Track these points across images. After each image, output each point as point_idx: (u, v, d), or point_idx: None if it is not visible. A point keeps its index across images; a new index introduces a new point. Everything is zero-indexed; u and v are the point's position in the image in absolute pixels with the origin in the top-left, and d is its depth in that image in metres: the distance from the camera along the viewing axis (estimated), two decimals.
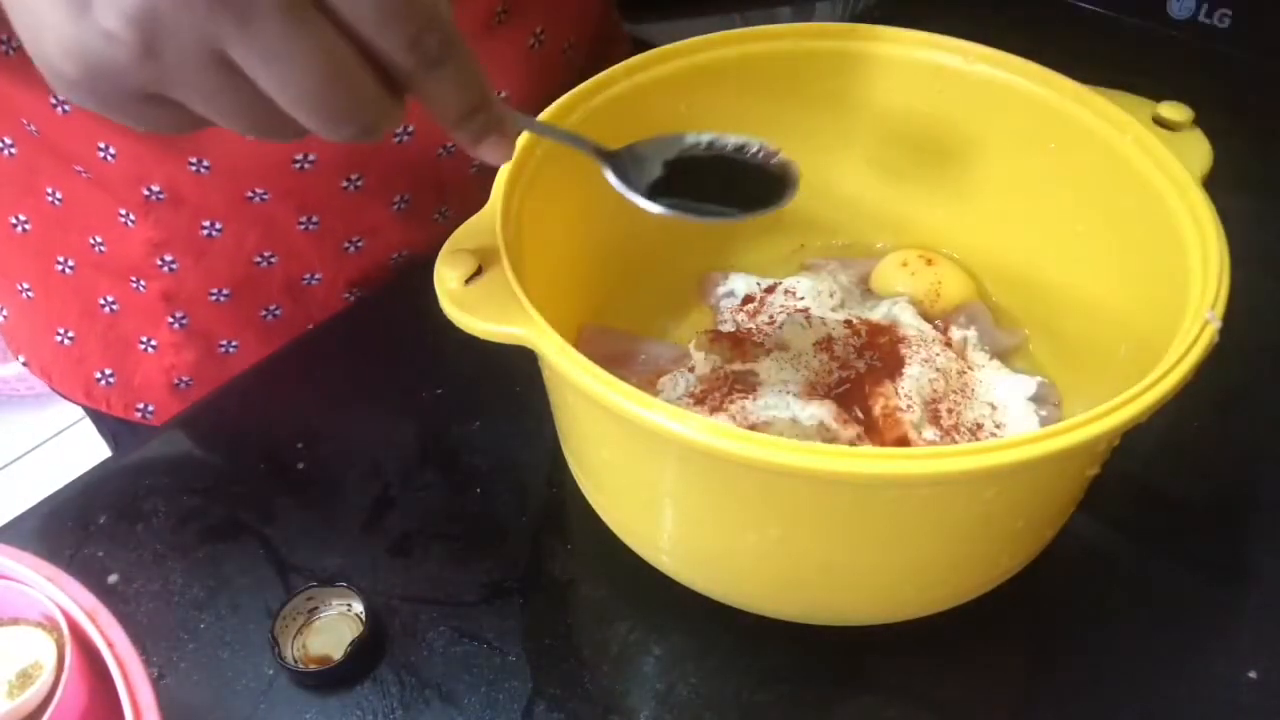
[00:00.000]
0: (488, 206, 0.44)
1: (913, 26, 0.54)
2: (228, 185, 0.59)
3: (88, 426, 0.78)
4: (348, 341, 0.64)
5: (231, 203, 0.60)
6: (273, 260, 0.64)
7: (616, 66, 0.52)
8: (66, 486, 0.55)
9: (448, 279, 0.41)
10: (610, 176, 0.43)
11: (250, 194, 0.60)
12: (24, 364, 0.72)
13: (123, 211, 0.60)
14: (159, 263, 0.62)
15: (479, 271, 0.41)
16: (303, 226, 0.62)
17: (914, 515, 0.41)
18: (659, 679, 0.47)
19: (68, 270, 0.64)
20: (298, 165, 0.59)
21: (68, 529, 0.53)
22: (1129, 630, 0.48)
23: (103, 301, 0.65)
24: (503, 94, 0.62)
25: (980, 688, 0.47)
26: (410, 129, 0.61)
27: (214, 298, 0.64)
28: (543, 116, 0.48)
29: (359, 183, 0.61)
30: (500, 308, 0.40)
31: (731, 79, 0.54)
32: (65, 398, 0.72)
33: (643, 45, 0.53)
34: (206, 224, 0.61)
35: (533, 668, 0.47)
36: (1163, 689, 0.46)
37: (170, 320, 0.65)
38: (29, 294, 0.66)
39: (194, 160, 0.58)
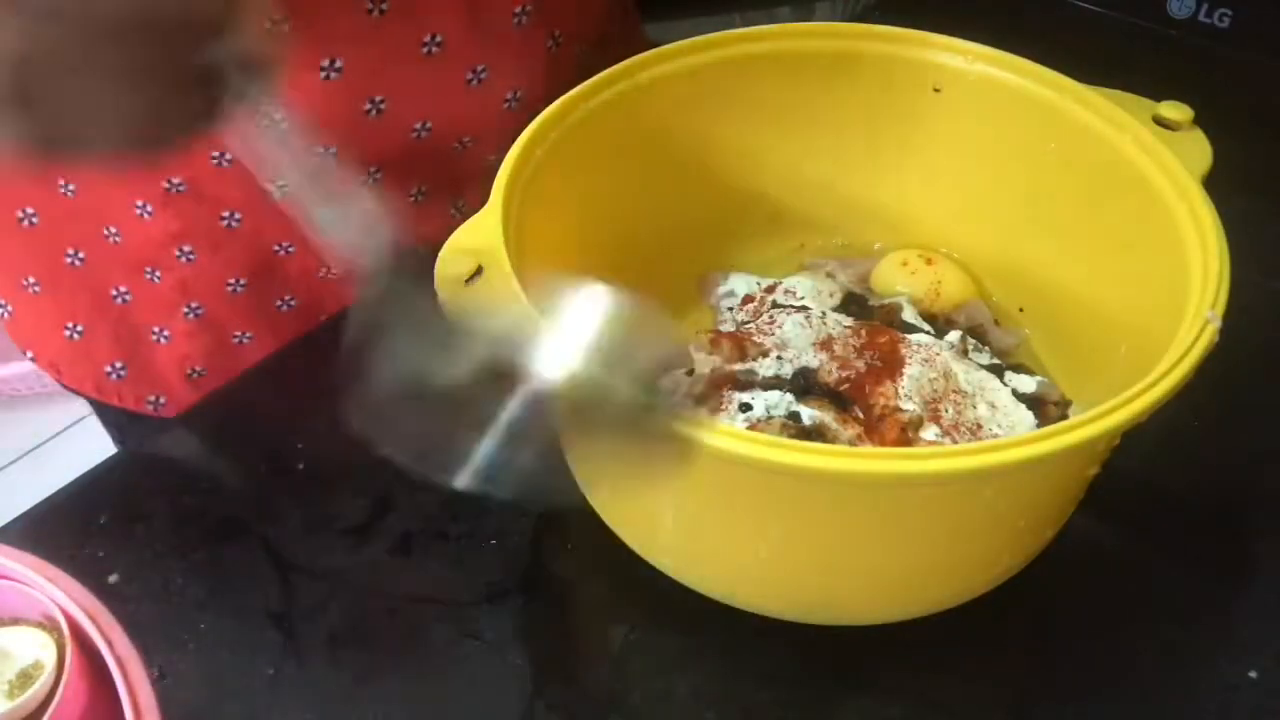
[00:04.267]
0: (488, 206, 0.44)
1: (913, 26, 0.54)
2: (249, 177, 0.60)
3: (88, 426, 0.78)
4: None
5: (251, 194, 0.60)
6: (290, 250, 0.64)
7: (616, 66, 0.52)
8: (67, 486, 0.55)
9: (448, 279, 0.41)
10: None
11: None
12: (31, 359, 0.72)
13: (139, 203, 0.60)
14: (177, 253, 0.62)
15: (479, 271, 0.41)
16: None
17: (914, 515, 0.41)
18: (659, 679, 0.47)
19: (78, 262, 0.64)
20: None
21: (68, 529, 0.53)
22: (1129, 630, 0.48)
23: (115, 292, 0.65)
24: (518, 91, 0.62)
25: (980, 688, 0.47)
26: (428, 125, 0.60)
27: (230, 288, 0.64)
28: (541, 118, 0.48)
29: (377, 175, 0.61)
30: (500, 308, 0.40)
31: (731, 79, 0.54)
32: (74, 392, 0.72)
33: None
34: (226, 214, 0.61)
35: (533, 668, 0.47)
36: (1163, 689, 0.46)
37: (185, 311, 0.65)
38: (35, 289, 0.66)
39: (215, 155, 0.57)
